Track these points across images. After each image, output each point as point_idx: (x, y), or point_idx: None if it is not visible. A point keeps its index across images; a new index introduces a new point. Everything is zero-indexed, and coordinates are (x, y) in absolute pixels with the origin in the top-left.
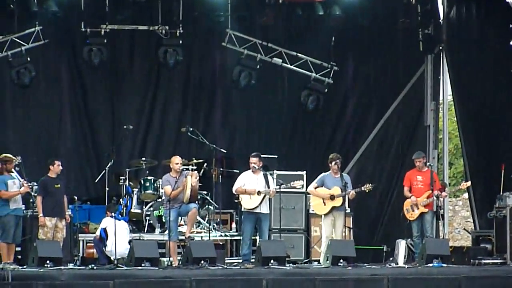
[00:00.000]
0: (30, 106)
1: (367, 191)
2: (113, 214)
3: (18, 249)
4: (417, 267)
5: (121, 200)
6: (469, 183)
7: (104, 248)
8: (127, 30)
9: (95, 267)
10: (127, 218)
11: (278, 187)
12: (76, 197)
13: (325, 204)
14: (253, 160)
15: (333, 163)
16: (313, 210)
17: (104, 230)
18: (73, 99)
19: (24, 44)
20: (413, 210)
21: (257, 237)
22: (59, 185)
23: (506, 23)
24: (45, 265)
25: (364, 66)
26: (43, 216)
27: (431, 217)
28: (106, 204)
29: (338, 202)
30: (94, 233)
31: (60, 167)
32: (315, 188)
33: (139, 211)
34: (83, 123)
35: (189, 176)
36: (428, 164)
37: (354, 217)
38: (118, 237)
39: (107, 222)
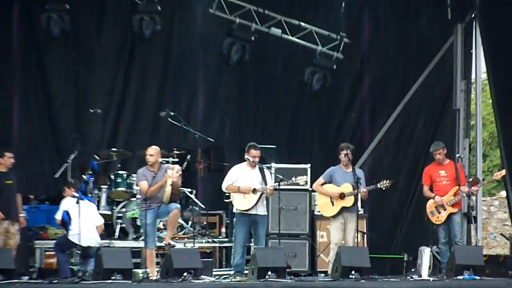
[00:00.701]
0: None
1: (383, 188)
2: (75, 193)
3: None
4: (444, 280)
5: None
6: (504, 172)
7: (67, 232)
8: None
9: (55, 281)
10: (91, 198)
11: (277, 183)
12: (32, 196)
13: (333, 204)
14: (255, 152)
15: (344, 154)
16: (319, 212)
17: (67, 213)
18: (28, 77)
19: None
20: (439, 212)
21: (252, 244)
22: (11, 181)
23: None
24: None
25: (380, 39)
26: None
27: (460, 218)
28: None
29: (349, 201)
30: (54, 239)
31: (12, 160)
32: (322, 184)
33: (108, 212)
34: (40, 106)
35: (170, 170)
36: (457, 156)
37: (369, 220)
38: (85, 220)
39: (70, 203)
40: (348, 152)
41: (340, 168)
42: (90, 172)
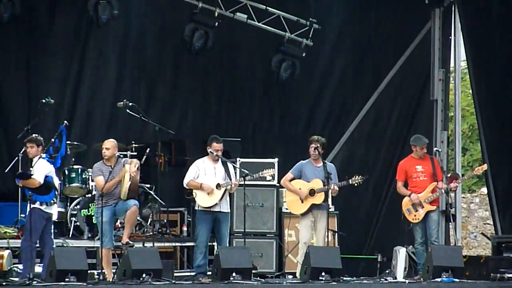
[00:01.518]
0: None
1: (355, 184)
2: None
3: None
4: (421, 283)
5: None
6: (485, 166)
7: (47, 202)
8: None
9: (3, 283)
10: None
11: (242, 178)
12: None
13: (302, 201)
14: (218, 146)
15: (313, 148)
16: (287, 209)
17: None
18: None
19: None
20: (416, 210)
21: (215, 244)
22: None
23: None
24: None
25: (352, 24)
26: None
27: (438, 216)
28: (21, 201)
29: (319, 198)
30: (4, 238)
31: None
32: (291, 180)
33: (62, 209)
34: None
35: (128, 165)
36: (434, 149)
37: (340, 218)
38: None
39: (48, 166)
40: (318, 145)
41: (310, 162)
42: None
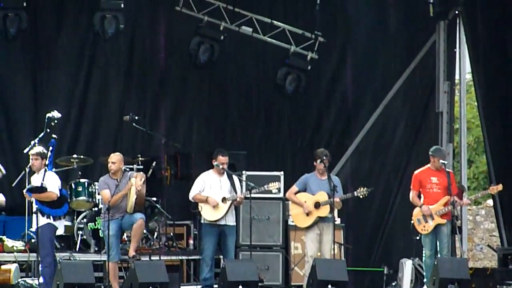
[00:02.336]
0: None
1: (361, 196)
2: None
3: None
4: None
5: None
6: (500, 187)
7: (57, 216)
8: None
9: None
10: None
11: (248, 192)
12: None
13: (308, 214)
14: (223, 159)
15: (319, 161)
16: (293, 222)
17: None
18: None
19: None
20: (425, 221)
21: (221, 257)
22: None
23: None
24: None
25: (357, 37)
26: None
27: (449, 230)
28: (28, 214)
29: (325, 211)
30: (12, 252)
31: None
32: (296, 193)
33: (69, 223)
34: None
35: (134, 178)
36: (440, 161)
37: (346, 230)
38: None
39: (57, 177)
40: (324, 158)
41: (315, 175)
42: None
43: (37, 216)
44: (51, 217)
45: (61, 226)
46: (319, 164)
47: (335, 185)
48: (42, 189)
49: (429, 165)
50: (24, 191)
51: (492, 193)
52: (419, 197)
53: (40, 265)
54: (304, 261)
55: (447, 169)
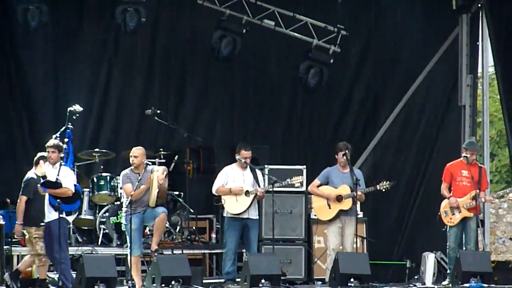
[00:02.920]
0: None
1: (383, 190)
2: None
3: None
4: None
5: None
6: None
7: (73, 212)
8: None
9: None
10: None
11: (271, 185)
12: (9, 200)
13: (330, 207)
14: (246, 153)
15: (341, 154)
16: (315, 215)
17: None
18: (3, 73)
19: None
20: (453, 214)
21: (244, 250)
22: None
23: None
24: None
25: (381, 30)
26: None
27: (475, 224)
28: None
29: (347, 204)
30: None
31: None
32: (318, 186)
33: (91, 217)
34: (17, 103)
35: (156, 172)
36: (463, 155)
37: (369, 224)
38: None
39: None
40: (347, 152)
41: (337, 168)
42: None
43: (57, 212)
44: (64, 212)
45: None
46: (341, 157)
47: (358, 178)
48: (57, 184)
49: (461, 158)
50: (39, 185)
51: None
52: (450, 190)
53: (54, 260)
54: (327, 255)
55: (480, 164)
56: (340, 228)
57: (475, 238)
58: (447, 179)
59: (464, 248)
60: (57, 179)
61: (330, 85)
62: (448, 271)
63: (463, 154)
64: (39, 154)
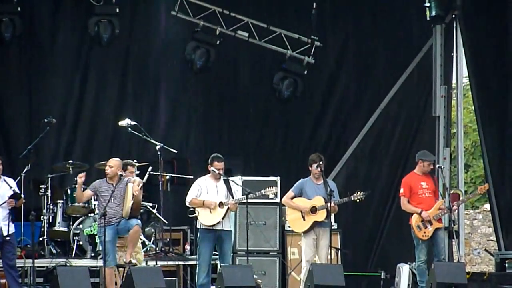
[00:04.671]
0: None
1: (357, 201)
2: None
3: None
4: None
5: (42, 216)
6: (487, 186)
7: None
8: None
9: None
10: None
11: (244, 197)
12: None
13: (304, 219)
14: (219, 165)
15: (315, 165)
16: (289, 227)
17: None
18: None
19: None
20: (425, 227)
21: (218, 262)
22: None
23: None
24: None
25: (353, 41)
26: None
27: (444, 234)
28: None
29: (321, 216)
30: None
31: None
32: (292, 198)
33: (65, 229)
34: None
35: (130, 184)
36: (437, 166)
37: (343, 235)
38: None
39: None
40: (320, 163)
41: (310, 180)
42: None
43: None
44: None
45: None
46: (315, 169)
47: (332, 189)
48: (19, 195)
49: (415, 170)
50: (8, 198)
51: (481, 192)
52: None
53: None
54: (301, 266)
55: (430, 173)
56: (315, 240)
57: (446, 248)
58: (407, 193)
59: (435, 260)
60: (14, 190)
61: (304, 95)
62: (423, 285)
63: (421, 165)
64: None
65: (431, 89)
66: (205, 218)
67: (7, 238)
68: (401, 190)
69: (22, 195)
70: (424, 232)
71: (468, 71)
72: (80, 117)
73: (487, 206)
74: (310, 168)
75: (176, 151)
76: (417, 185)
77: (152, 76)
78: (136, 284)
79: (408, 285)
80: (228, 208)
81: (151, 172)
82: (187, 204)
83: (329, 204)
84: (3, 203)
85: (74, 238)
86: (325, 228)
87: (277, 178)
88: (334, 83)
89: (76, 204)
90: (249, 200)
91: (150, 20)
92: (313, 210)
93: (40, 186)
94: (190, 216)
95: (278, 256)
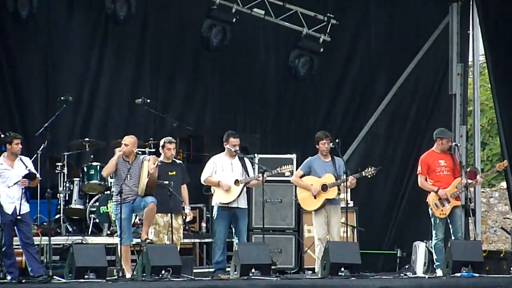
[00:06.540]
0: None
1: (369, 176)
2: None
3: None
4: (441, 278)
5: (58, 194)
6: (506, 163)
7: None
8: None
9: (23, 280)
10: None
11: (261, 174)
12: None
13: (315, 197)
14: (235, 141)
15: (321, 142)
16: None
17: None
18: None
19: None
20: (443, 205)
21: (234, 240)
22: (174, 172)
23: None
24: None
25: (370, 19)
26: None
27: (461, 212)
28: (40, 198)
29: (332, 193)
30: None
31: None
32: (301, 176)
33: (81, 206)
34: (7, 93)
35: (146, 161)
36: (454, 144)
37: (359, 213)
38: None
39: None
40: (326, 140)
41: (318, 158)
42: None
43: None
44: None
45: None
46: (321, 146)
47: (340, 166)
48: (34, 175)
49: (433, 148)
50: (22, 177)
51: (499, 170)
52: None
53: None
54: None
55: (451, 151)
56: (326, 218)
57: (463, 226)
58: (424, 171)
59: (452, 238)
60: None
61: (320, 74)
62: (438, 263)
63: (440, 143)
64: None
65: (447, 67)
66: (220, 196)
67: (19, 217)
68: (419, 168)
69: (38, 175)
70: (442, 210)
71: (484, 48)
72: (96, 95)
73: (503, 184)
74: (317, 146)
75: (192, 129)
76: (435, 163)
77: (168, 54)
78: (152, 262)
79: (425, 263)
80: (244, 185)
81: None
82: (202, 182)
83: (340, 181)
84: (16, 182)
85: (90, 216)
86: (336, 205)
87: (293, 156)
88: (350, 61)
89: (92, 181)
90: (264, 178)
91: None
92: (324, 188)
93: (57, 164)
94: (205, 193)
95: (294, 234)
